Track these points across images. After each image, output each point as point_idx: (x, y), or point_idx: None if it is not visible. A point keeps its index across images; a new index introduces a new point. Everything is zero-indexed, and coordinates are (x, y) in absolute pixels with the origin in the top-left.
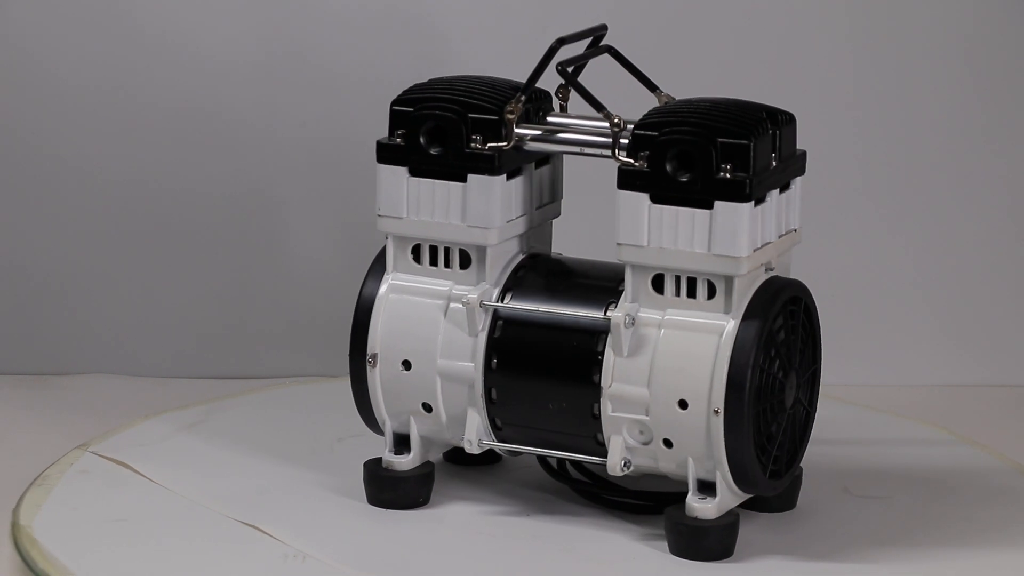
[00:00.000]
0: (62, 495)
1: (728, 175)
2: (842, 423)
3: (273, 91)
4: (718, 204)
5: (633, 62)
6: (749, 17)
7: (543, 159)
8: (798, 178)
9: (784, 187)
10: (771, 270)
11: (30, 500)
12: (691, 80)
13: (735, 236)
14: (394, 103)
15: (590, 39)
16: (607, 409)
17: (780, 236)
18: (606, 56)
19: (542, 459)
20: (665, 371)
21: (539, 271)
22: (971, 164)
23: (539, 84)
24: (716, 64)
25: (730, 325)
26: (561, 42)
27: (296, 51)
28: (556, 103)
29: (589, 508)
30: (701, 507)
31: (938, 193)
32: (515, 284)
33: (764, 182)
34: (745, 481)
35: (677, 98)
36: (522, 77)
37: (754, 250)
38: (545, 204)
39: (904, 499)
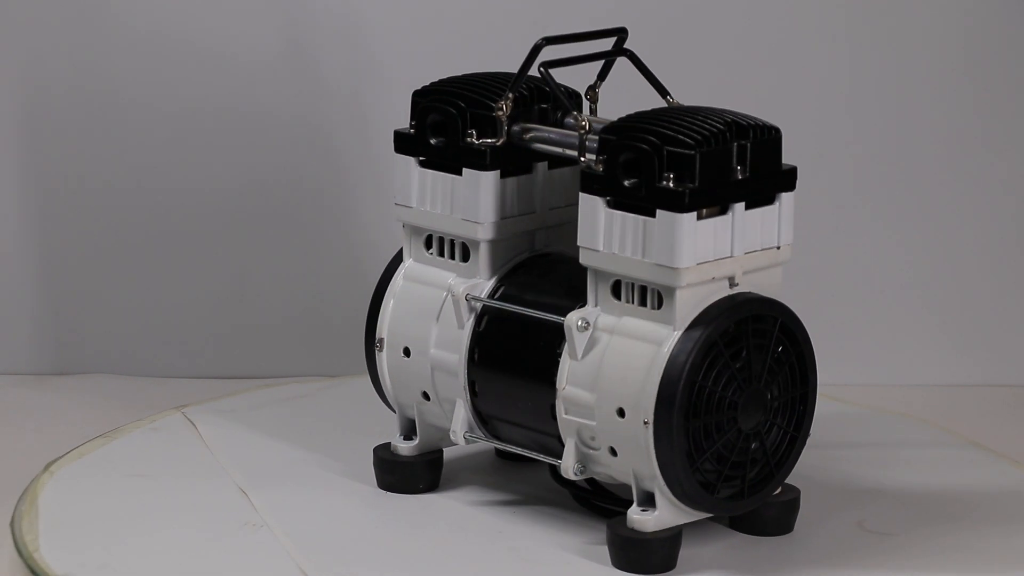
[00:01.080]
0: (113, 449)
1: (670, 184)
2: (841, 424)
3: (275, 91)
4: (659, 213)
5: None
6: (750, 20)
7: (569, 160)
8: (785, 194)
9: (760, 202)
10: (735, 285)
11: (79, 452)
12: (695, 84)
13: (674, 246)
14: (414, 93)
15: (614, 40)
16: (561, 411)
17: (748, 252)
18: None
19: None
20: (608, 378)
21: (536, 270)
22: (972, 164)
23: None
24: (717, 67)
25: (670, 337)
26: (546, 41)
27: (311, 50)
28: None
29: (581, 513)
30: (639, 519)
31: (938, 193)
32: (509, 280)
33: (715, 195)
34: (684, 497)
35: (684, 104)
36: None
37: (699, 263)
38: (568, 205)
39: (900, 517)
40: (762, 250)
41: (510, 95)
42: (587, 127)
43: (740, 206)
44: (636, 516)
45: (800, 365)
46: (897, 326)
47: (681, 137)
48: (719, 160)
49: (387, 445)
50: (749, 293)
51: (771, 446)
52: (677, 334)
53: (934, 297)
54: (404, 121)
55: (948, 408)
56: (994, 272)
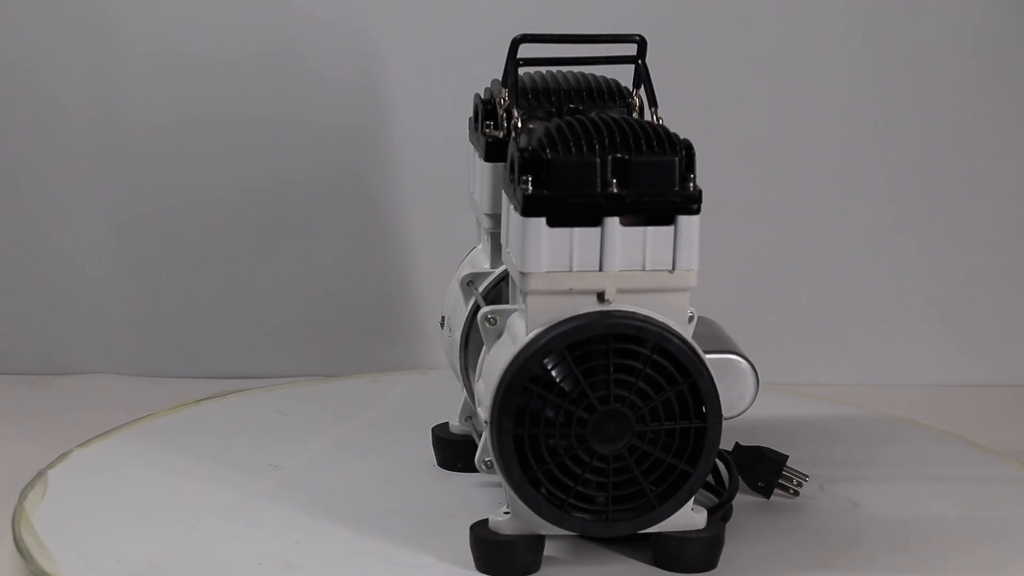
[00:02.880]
0: (119, 443)
1: (528, 188)
2: (834, 427)
3: (276, 92)
4: (514, 214)
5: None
6: (749, 18)
7: None
8: (685, 217)
9: (649, 221)
10: (606, 301)
11: (80, 450)
12: (697, 83)
13: (523, 249)
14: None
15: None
16: (475, 403)
17: (626, 270)
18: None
19: None
20: (487, 374)
21: None
22: (973, 164)
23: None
24: (715, 63)
25: (521, 341)
26: (523, 38)
27: (308, 52)
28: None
29: None
30: (494, 521)
31: (939, 193)
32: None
33: (575, 205)
34: (530, 505)
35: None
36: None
37: (550, 271)
38: None
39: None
40: (645, 271)
41: (504, 89)
42: (518, 125)
43: (613, 221)
44: (493, 517)
45: (694, 398)
46: (897, 326)
47: (547, 142)
48: (583, 171)
49: (446, 424)
50: (622, 312)
51: (648, 476)
52: (528, 339)
53: (934, 297)
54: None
55: (948, 408)
56: (995, 272)
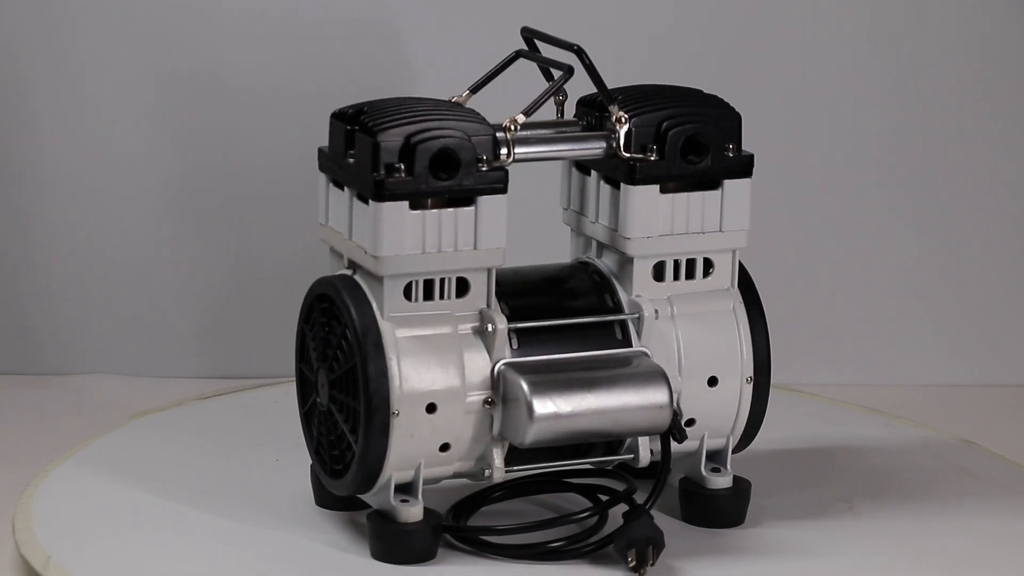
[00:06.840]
0: (114, 445)
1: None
2: (836, 425)
3: (274, 86)
4: None
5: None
6: (749, 16)
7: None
8: (375, 203)
9: (367, 197)
10: (350, 267)
11: (79, 451)
12: (691, 82)
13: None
14: None
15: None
16: None
17: (358, 243)
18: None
19: None
20: None
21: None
22: (972, 164)
23: None
24: (717, 63)
25: None
26: (527, 31)
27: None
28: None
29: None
30: None
31: (938, 193)
32: None
33: (334, 168)
34: (304, 436)
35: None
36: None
37: (325, 225)
38: (612, 228)
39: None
40: (362, 248)
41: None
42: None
43: (349, 191)
44: None
45: (356, 379)
46: (896, 326)
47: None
48: (335, 138)
49: None
50: (346, 281)
51: (339, 443)
52: None
53: (933, 297)
54: None
55: (948, 408)
56: (994, 272)
